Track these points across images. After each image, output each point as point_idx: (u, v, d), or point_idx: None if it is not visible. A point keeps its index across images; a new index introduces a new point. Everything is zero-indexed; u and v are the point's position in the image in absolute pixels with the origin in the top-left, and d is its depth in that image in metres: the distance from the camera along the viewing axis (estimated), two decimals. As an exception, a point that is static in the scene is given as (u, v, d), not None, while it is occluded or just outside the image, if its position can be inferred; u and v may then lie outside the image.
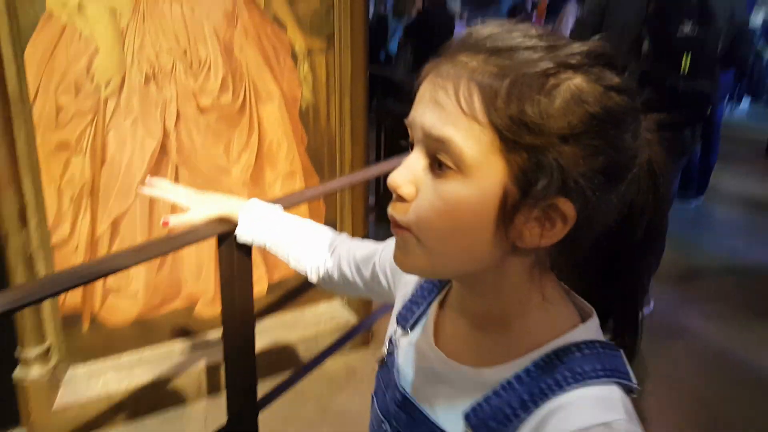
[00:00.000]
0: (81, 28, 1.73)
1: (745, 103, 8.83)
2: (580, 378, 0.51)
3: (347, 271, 0.87)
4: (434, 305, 0.65)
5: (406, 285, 0.71)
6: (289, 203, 1.41)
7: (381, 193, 4.09)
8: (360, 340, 2.43)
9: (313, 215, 2.28)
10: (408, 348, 0.65)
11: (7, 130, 1.64)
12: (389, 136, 3.82)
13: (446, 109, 0.47)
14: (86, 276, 1.05)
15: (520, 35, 0.48)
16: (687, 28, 2.19)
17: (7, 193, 1.68)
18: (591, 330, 0.55)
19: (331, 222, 2.33)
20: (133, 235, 1.95)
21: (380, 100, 4.38)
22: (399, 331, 0.68)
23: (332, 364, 2.27)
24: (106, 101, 1.81)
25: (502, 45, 0.47)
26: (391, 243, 0.73)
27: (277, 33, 2.06)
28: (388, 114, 3.83)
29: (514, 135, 0.46)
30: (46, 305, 1.85)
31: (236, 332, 1.36)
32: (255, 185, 2.11)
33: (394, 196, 0.52)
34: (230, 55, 1.98)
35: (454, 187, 0.48)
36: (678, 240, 3.75)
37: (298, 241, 0.97)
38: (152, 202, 1.95)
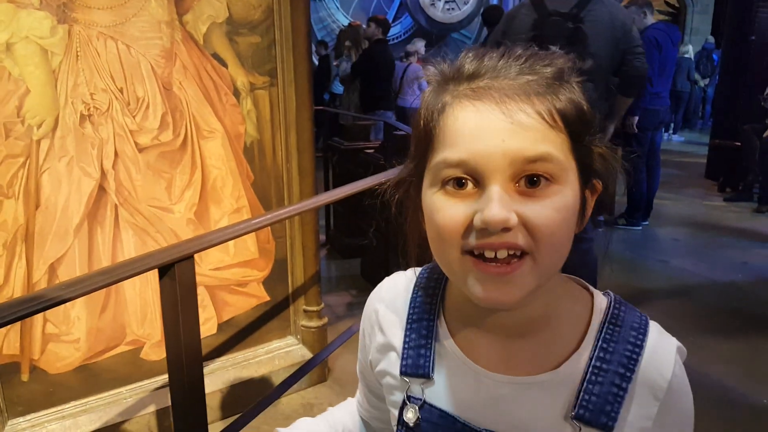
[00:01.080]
0: (10, 69, 1.66)
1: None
2: (642, 329, 0.57)
3: (374, 417, 0.80)
4: (445, 341, 0.62)
5: (382, 346, 0.68)
6: (234, 233, 1.36)
7: (331, 229, 4.06)
8: (317, 376, 2.36)
9: (263, 255, 2.22)
10: (445, 390, 0.61)
11: (-70, 176, 1.54)
12: (337, 173, 3.81)
13: (533, 127, 0.49)
14: (24, 309, 0.96)
15: (523, 54, 0.54)
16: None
17: (-68, 243, 1.57)
18: (598, 292, 0.61)
19: (281, 260, 2.28)
20: (72, 276, 1.84)
21: (326, 138, 4.40)
22: (417, 383, 0.63)
23: (288, 402, 2.19)
24: (38, 143, 1.73)
25: (522, 64, 0.53)
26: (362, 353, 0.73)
27: (218, 69, 2.03)
28: (335, 151, 3.83)
29: (577, 132, 0.52)
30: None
31: (182, 371, 1.29)
32: (200, 223, 2.05)
33: (473, 240, 0.51)
34: (169, 92, 1.94)
35: (560, 197, 0.51)
36: (626, 263, 3.88)
37: None
38: (91, 242, 1.86)
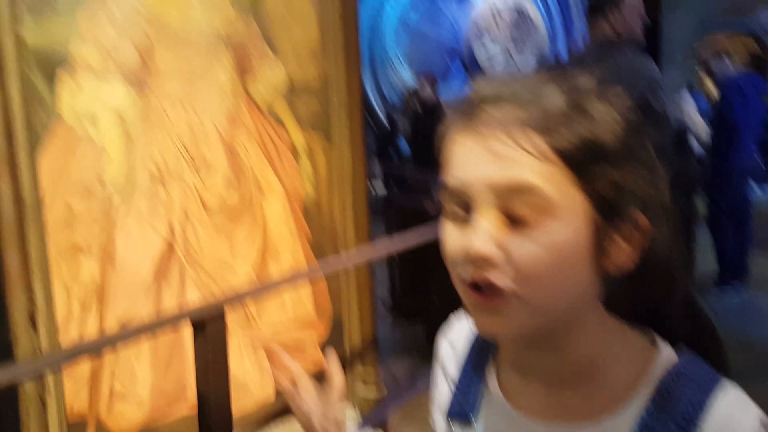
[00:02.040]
0: (93, 135, 1.81)
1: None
2: (710, 389, 0.50)
3: None
4: (491, 386, 0.60)
5: (442, 384, 0.67)
6: (288, 280, 1.36)
7: (397, 291, 4.01)
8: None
9: (319, 313, 2.23)
10: None
11: (20, 233, 1.67)
12: (396, 229, 3.82)
13: (512, 157, 0.47)
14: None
15: (532, 77, 0.51)
16: None
17: (18, 296, 1.68)
18: (666, 344, 0.54)
19: (337, 320, 2.27)
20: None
21: (389, 192, 4.44)
22: (459, 427, 0.61)
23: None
24: (114, 204, 1.85)
25: (525, 89, 0.49)
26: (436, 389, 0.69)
27: (279, 131, 2.14)
28: (395, 208, 3.87)
29: (582, 161, 0.47)
30: (52, 409, 1.79)
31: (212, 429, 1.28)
32: (259, 281, 2.10)
33: (468, 269, 0.49)
34: (234, 153, 2.04)
35: (550, 233, 0.47)
36: (725, 335, 3.37)
37: None
38: (159, 299, 1.94)
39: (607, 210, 0.48)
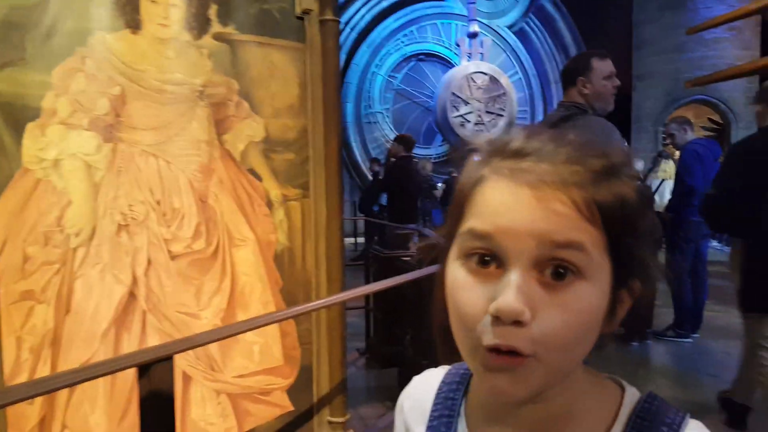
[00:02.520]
0: (55, 182, 1.74)
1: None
2: (676, 425, 0.50)
3: None
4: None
5: None
6: (256, 324, 1.29)
7: (370, 337, 3.94)
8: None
9: (288, 363, 2.14)
10: None
11: (-30, 281, 1.58)
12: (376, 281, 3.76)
13: (565, 214, 0.45)
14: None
15: (574, 141, 0.50)
16: None
17: (-36, 345, 1.58)
18: (629, 385, 0.55)
19: (307, 367, 2.18)
20: (95, 383, 1.81)
21: (368, 245, 4.41)
22: None
23: None
24: (75, 250, 1.77)
25: (571, 151, 0.48)
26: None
27: (253, 183, 2.08)
28: (375, 260, 3.81)
29: (616, 230, 0.47)
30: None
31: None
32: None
33: (490, 324, 0.46)
34: (205, 204, 1.98)
35: (582, 295, 0.46)
36: (676, 376, 3.55)
37: None
38: (117, 347, 1.83)
39: (622, 275, 0.49)
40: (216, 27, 1.99)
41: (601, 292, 0.47)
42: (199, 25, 1.95)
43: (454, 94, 12.40)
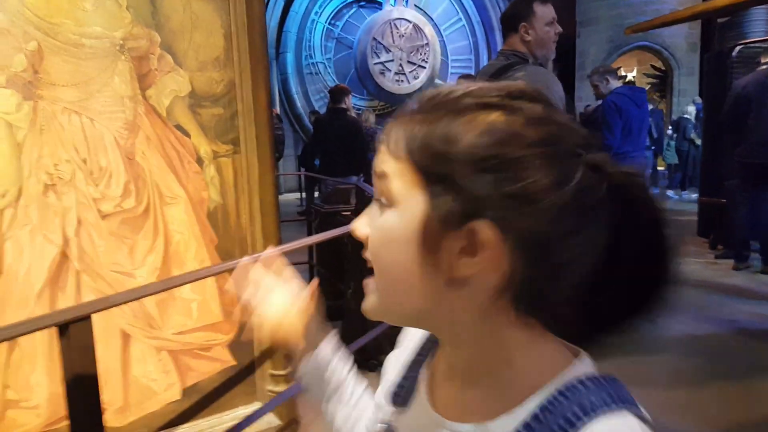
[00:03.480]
0: (-25, 143, 1.75)
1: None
2: (592, 410, 0.48)
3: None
4: (424, 372, 0.64)
5: (392, 370, 0.71)
6: (143, 292, 1.38)
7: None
8: (284, 442, 2.32)
9: (228, 319, 2.24)
10: (408, 423, 0.63)
11: None
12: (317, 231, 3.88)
13: (382, 152, 0.54)
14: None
15: (452, 87, 0.53)
16: None
17: None
18: (587, 364, 0.53)
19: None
20: (32, 342, 1.87)
21: (310, 200, 4.50)
22: (394, 411, 0.65)
23: (252, 469, 2.15)
24: (1, 212, 1.80)
25: (430, 95, 0.54)
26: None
27: (181, 139, 2.13)
28: (316, 214, 3.91)
29: (429, 166, 0.50)
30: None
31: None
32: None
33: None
34: (132, 161, 2.02)
35: (386, 218, 0.53)
36: None
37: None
38: (53, 308, 1.89)
39: (442, 215, 0.49)
40: (134, -23, 1.99)
41: (403, 221, 0.51)
42: (116, -24, 1.95)
43: (375, 39, 12.35)
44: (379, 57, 12.51)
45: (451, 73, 14.11)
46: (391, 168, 0.52)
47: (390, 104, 12.72)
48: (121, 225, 2.01)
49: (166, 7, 2.05)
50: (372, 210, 0.56)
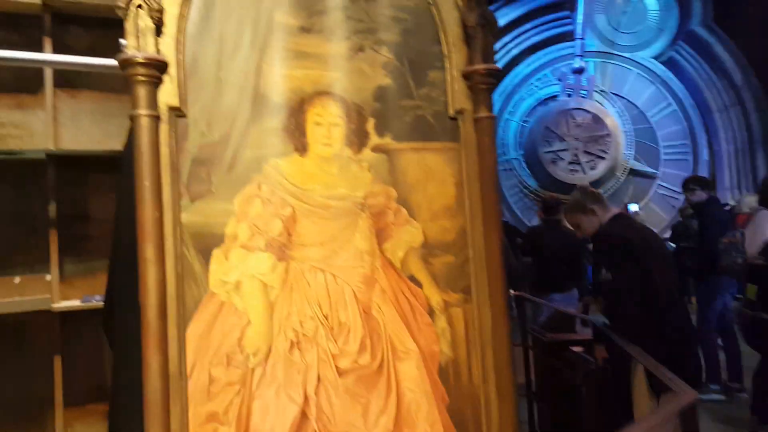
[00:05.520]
0: (236, 304, 1.93)
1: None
2: None
3: None
4: None
5: None
6: None
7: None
8: None
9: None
10: None
11: (164, 407, 1.78)
12: (539, 372, 3.65)
13: None
14: None
15: None
16: None
17: (158, 468, 1.77)
18: None
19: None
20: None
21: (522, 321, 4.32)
22: None
23: None
24: (253, 371, 1.93)
25: None
26: None
27: (414, 290, 2.16)
28: (535, 343, 3.71)
29: None
30: None
31: None
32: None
33: None
34: (368, 315, 2.08)
35: None
36: None
37: None
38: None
39: None
40: (374, 139, 2.15)
41: None
42: (359, 139, 2.12)
43: (547, 128, 12.43)
44: (551, 145, 12.50)
45: (664, 159, 13.42)
46: None
47: (561, 193, 12.57)
48: (356, 382, 2.05)
49: (402, 163, 2.18)
50: None
